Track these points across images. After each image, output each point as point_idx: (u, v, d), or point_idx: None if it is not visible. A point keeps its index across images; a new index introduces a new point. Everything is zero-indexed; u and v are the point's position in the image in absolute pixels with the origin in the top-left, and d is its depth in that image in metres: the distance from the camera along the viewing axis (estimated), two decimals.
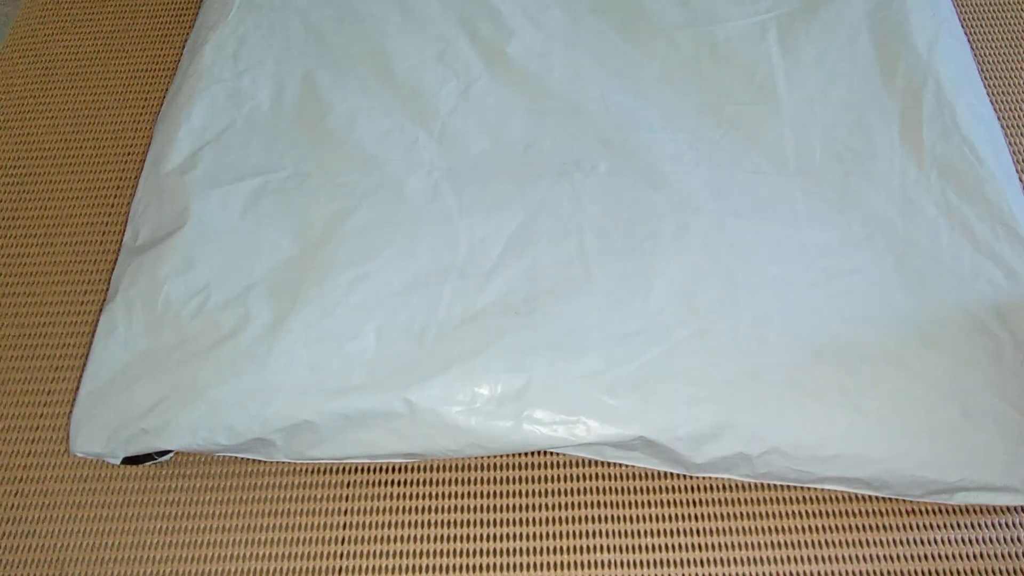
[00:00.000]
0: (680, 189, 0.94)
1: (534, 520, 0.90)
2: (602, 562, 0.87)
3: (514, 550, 0.88)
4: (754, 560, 0.86)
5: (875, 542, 0.87)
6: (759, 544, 0.87)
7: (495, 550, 0.88)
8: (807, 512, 0.89)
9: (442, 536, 0.89)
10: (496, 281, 0.87)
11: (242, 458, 0.92)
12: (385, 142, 0.98)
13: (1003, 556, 0.86)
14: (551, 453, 0.93)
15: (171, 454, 0.92)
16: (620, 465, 0.91)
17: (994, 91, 1.16)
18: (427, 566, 0.87)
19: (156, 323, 0.87)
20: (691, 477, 0.91)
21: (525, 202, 0.93)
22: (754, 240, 0.90)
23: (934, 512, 0.88)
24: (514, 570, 0.87)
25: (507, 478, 0.92)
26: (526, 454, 0.93)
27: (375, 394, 0.81)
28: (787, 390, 0.82)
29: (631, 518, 0.89)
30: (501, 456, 0.93)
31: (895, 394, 0.82)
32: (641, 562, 0.87)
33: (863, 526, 0.88)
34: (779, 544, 0.87)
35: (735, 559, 0.86)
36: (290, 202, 0.94)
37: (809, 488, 0.90)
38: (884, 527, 0.87)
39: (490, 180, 0.95)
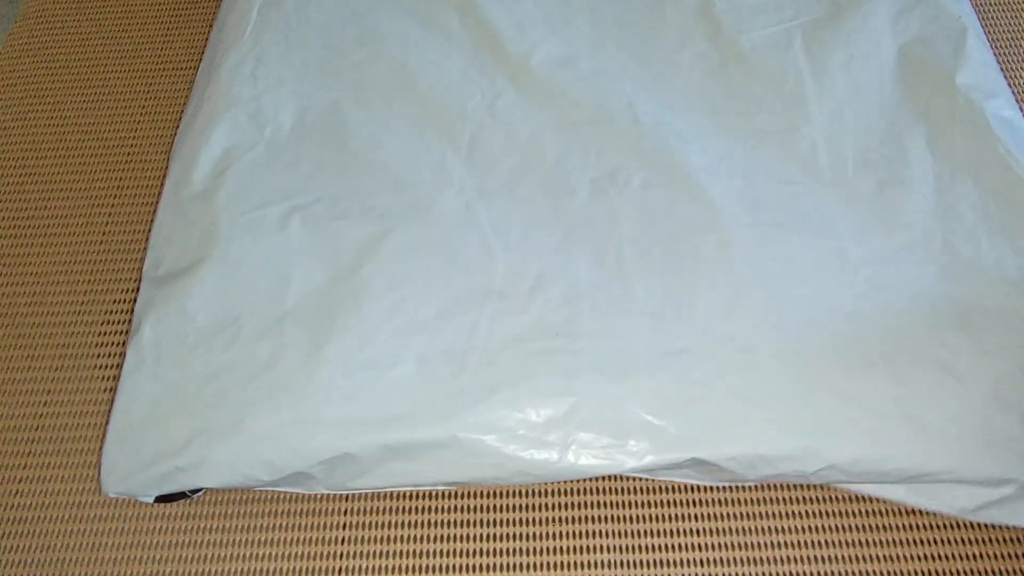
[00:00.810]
0: (717, 202, 0.92)
1: (534, 520, 0.90)
2: (602, 562, 0.87)
3: (514, 550, 0.88)
4: (754, 560, 0.86)
5: (875, 542, 0.87)
6: (759, 544, 0.87)
7: (495, 550, 0.88)
8: (807, 512, 0.89)
9: (442, 536, 0.89)
10: (536, 303, 0.85)
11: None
12: (413, 163, 0.96)
13: (1004, 556, 0.86)
14: None
15: (203, 490, 0.90)
16: None
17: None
18: (427, 566, 0.87)
19: (188, 356, 0.84)
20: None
21: (560, 220, 0.91)
22: (795, 252, 0.89)
23: (934, 512, 0.88)
24: (514, 570, 0.87)
25: None
26: None
27: (418, 424, 0.79)
28: (840, 404, 0.80)
29: (631, 518, 0.89)
30: None
31: (950, 403, 0.80)
32: (641, 562, 0.87)
33: (863, 526, 0.88)
34: (779, 544, 0.87)
35: (735, 559, 0.86)
36: (320, 227, 0.91)
37: (810, 488, 0.90)
38: (884, 527, 0.87)
39: (522, 198, 0.93)
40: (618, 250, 0.89)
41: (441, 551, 0.88)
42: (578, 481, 0.91)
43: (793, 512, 0.89)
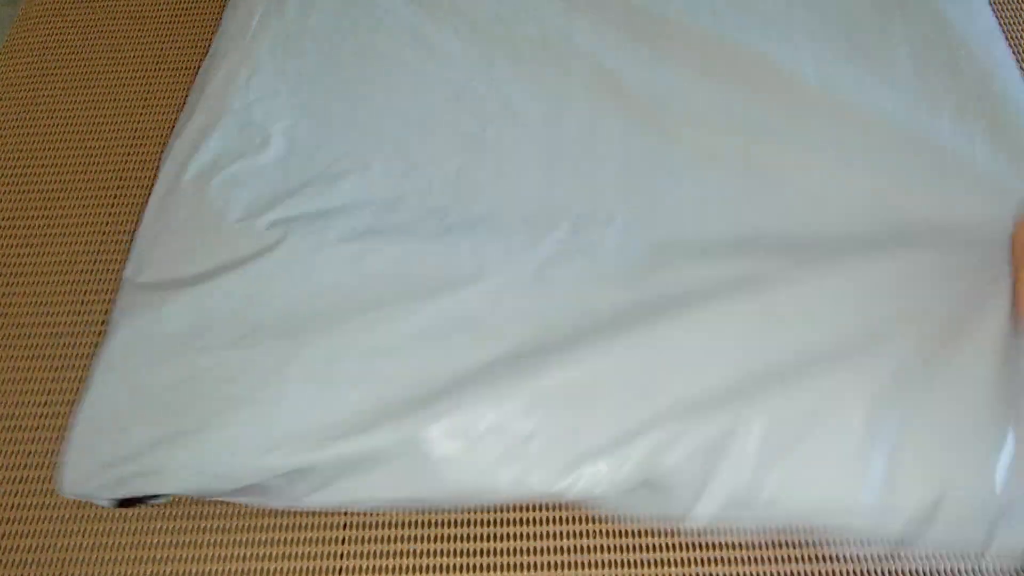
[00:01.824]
0: (705, 241, 0.91)
1: (534, 520, 0.90)
2: (602, 562, 0.87)
3: (514, 550, 0.88)
4: (754, 560, 0.86)
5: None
6: (759, 544, 0.87)
7: (495, 550, 0.88)
8: None
9: (442, 536, 0.89)
10: (511, 332, 0.85)
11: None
12: (399, 187, 0.95)
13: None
14: None
15: (164, 498, 0.90)
16: None
17: None
18: (427, 566, 0.87)
19: (157, 362, 0.84)
20: None
21: (537, 255, 0.90)
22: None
23: None
24: (514, 570, 0.87)
25: None
26: None
27: (375, 438, 0.79)
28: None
29: (631, 518, 0.89)
30: None
31: None
32: (641, 562, 0.87)
33: None
34: (779, 544, 0.87)
35: (735, 559, 0.86)
36: (301, 244, 0.90)
37: None
38: None
39: (503, 228, 0.92)
40: (599, 283, 0.88)
41: (441, 551, 0.88)
42: None
43: None
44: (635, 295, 0.86)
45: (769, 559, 0.86)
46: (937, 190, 0.92)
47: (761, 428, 0.78)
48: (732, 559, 0.86)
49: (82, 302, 1.05)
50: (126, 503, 0.88)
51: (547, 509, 0.90)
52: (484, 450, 0.79)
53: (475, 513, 0.90)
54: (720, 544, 0.87)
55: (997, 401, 0.79)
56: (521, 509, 0.90)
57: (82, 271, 1.07)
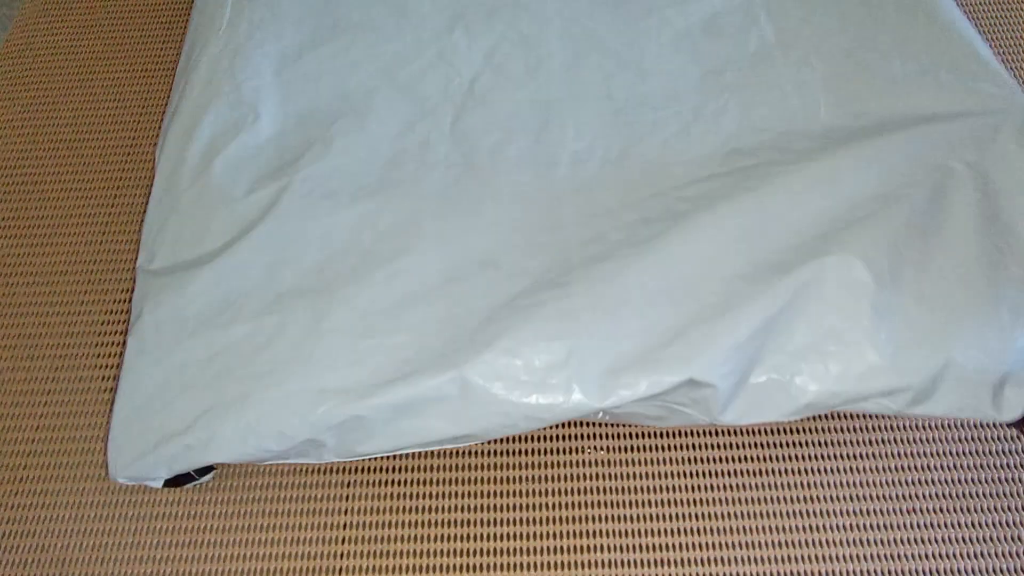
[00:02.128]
0: (692, 162, 0.94)
1: (534, 520, 0.90)
2: (602, 562, 0.87)
3: (514, 550, 0.88)
4: (754, 560, 0.86)
5: (877, 542, 0.87)
6: (759, 544, 0.87)
7: (495, 550, 0.88)
8: (808, 512, 0.89)
9: (442, 536, 0.89)
10: (531, 267, 0.87)
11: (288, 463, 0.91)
12: (398, 144, 0.98)
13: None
14: (552, 450, 0.93)
15: (212, 473, 0.91)
16: (621, 464, 0.91)
17: None
18: (427, 566, 0.87)
19: (189, 339, 0.85)
20: (692, 476, 0.91)
21: (547, 193, 0.93)
22: (768, 201, 0.90)
23: (935, 512, 0.88)
24: (514, 570, 0.87)
25: (507, 477, 0.92)
26: (526, 451, 0.93)
27: (422, 381, 0.81)
28: None
29: (631, 517, 0.89)
30: (501, 455, 0.93)
31: None
32: (641, 562, 0.87)
33: (864, 525, 0.88)
34: (779, 544, 0.87)
35: (735, 559, 0.87)
36: (312, 208, 0.93)
37: (810, 488, 0.90)
38: (887, 527, 0.88)
39: (508, 170, 0.95)
40: (608, 216, 0.91)
41: (441, 551, 0.88)
42: (578, 480, 0.91)
43: (794, 512, 0.89)
44: (639, 214, 0.90)
45: (770, 559, 0.86)
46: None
47: (787, 308, 0.81)
48: (732, 559, 0.86)
49: (82, 302, 1.05)
50: (175, 482, 0.88)
51: (547, 509, 0.90)
52: (526, 377, 0.81)
53: (475, 513, 0.90)
54: (720, 544, 0.87)
55: (990, 266, 0.83)
56: (521, 509, 0.90)
57: (82, 271, 1.07)
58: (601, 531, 0.88)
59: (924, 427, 0.94)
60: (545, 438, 0.95)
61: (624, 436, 0.94)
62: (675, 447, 0.93)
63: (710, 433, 0.94)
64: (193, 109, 1.02)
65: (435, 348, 0.82)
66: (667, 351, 0.81)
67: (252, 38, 1.08)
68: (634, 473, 0.91)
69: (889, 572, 0.85)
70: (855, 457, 0.92)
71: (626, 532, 0.88)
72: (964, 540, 0.87)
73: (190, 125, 1.00)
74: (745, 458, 0.92)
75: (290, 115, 1.01)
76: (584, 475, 0.92)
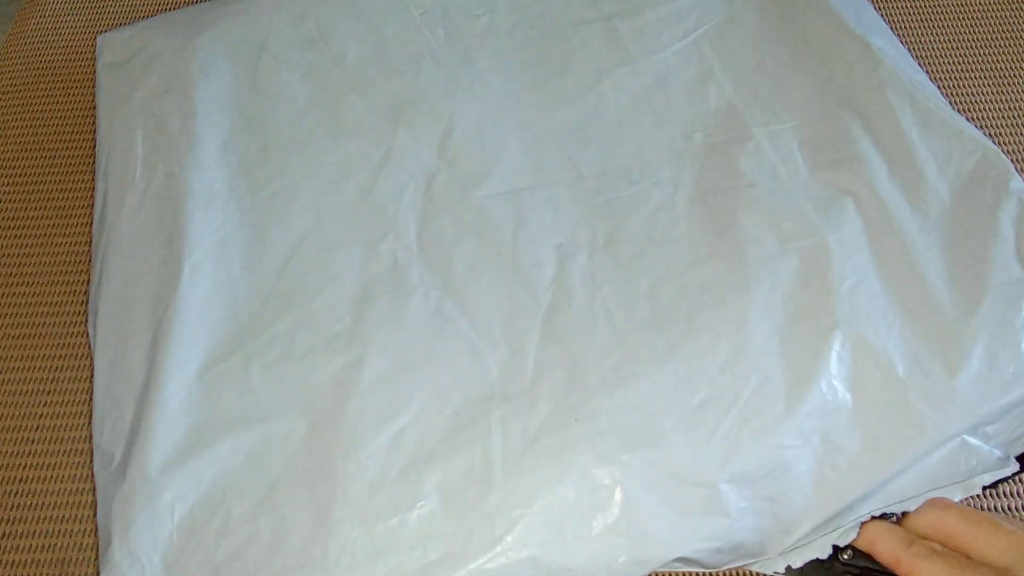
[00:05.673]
0: (684, 238, 0.86)
1: None
2: None
3: None
4: None
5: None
6: None
7: None
8: None
9: None
10: (543, 394, 0.76)
11: None
12: (364, 274, 0.85)
13: None
14: None
15: None
16: None
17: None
18: None
19: (177, 560, 0.71)
20: None
21: (539, 301, 0.82)
22: (787, 260, 0.82)
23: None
24: None
25: None
26: None
27: (462, 561, 0.69)
28: None
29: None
30: None
31: None
32: None
33: None
34: None
35: None
36: (285, 371, 0.79)
37: None
38: None
39: (492, 285, 0.84)
40: (608, 318, 0.81)
41: None
42: None
43: None
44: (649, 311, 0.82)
45: None
46: None
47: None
48: None
49: (82, 303, 1.05)
50: None
51: None
52: (579, 533, 0.70)
53: None
54: None
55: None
56: None
57: (82, 271, 1.07)
58: None
59: None
60: None
61: None
62: None
63: None
64: (120, 285, 0.89)
65: (465, 517, 0.70)
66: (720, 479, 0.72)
67: (174, 180, 0.93)
68: None
69: None
70: None
71: None
72: None
73: (121, 304, 0.88)
74: None
75: (232, 268, 0.87)
76: None
